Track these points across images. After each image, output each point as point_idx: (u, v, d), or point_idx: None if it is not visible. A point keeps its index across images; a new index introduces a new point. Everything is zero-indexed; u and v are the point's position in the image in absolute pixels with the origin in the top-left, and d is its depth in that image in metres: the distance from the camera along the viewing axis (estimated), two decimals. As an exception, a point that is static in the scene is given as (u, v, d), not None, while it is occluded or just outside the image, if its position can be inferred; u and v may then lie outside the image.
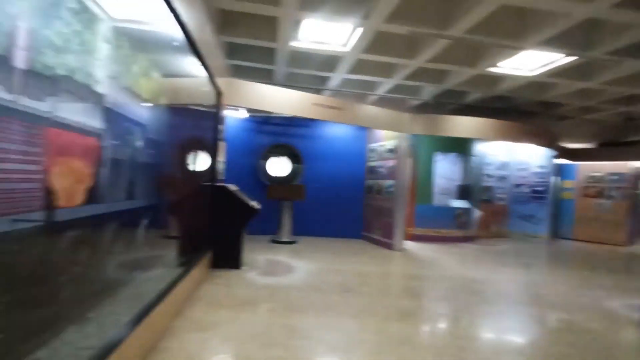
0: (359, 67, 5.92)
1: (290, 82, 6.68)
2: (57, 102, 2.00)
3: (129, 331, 1.93)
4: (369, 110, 6.76)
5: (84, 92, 2.37)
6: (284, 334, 2.69)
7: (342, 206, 7.82)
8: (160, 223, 4.16)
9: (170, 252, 3.93)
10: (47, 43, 1.85)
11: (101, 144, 2.71)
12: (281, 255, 5.76)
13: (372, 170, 7.65)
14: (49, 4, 1.89)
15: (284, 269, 4.85)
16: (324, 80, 6.72)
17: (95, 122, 2.57)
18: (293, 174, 7.80)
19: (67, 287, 2.13)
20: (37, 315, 1.82)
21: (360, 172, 7.92)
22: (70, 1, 2.11)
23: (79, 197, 2.29)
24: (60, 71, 2.00)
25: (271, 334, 2.67)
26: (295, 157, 7.81)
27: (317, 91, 7.01)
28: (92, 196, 2.45)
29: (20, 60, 1.64)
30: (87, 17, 2.30)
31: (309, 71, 6.21)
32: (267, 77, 6.53)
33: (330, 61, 5.87)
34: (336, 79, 6.46)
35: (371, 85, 7.01)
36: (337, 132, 7.95)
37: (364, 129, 7.77)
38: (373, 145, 7.69)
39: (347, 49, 5.09)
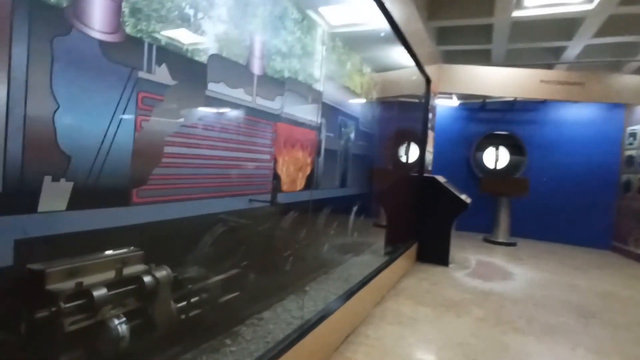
0: (610, 26, 4.53)
1: (511, 60, 5.79)
2: (284, 100, 2.34)
3: (335, 309, 2.08)
4: (629, 81, 5.15)
5: (305, 91, 2.69)
6: (493, 351, 2.33)
7: (580, 206, 6.32)
8: (370, 211, 4.39)
9: (378, 240, 4.09)
10: (275, 51, 2.17)
11: (319, 136, 3.04)
12: (495, 258, 5.12)
13: (632, 162, 5.81)
14: (276, 18, 2.21)
15: (498, 274, 4.27)
16: (557, 51, 5.50)
17: (314, 117, 2.89)
18: (512, 165, 6.82)
19: (289, 261, 2.49)
20: (266, 282, 2.20)
21: (611, 164, 6.18)
22: (293, 13, 2.42)
23: (300, 183, 2.63)
24: (286, 74, 2.32)
25: (477, 347, 2.37)
26: (515, 147, 6.81)
27: (548, 66, 5.81)
28: (310, 183, 2.78)
29: (256, 67, 1.97)
30: (307, 24, 2.59)
31: (536, 44, 5.21)
32: (483, 58, 5.87)
33: (566, 26, 4.74)
34: (575, 47, 5.17)
35: (632, 48, 5.26)
36: (575, 113, 6.46)
37: (619, 107, 6.00)
38: (634, 128, 5.82)
39: (592, 5, 3.97)
